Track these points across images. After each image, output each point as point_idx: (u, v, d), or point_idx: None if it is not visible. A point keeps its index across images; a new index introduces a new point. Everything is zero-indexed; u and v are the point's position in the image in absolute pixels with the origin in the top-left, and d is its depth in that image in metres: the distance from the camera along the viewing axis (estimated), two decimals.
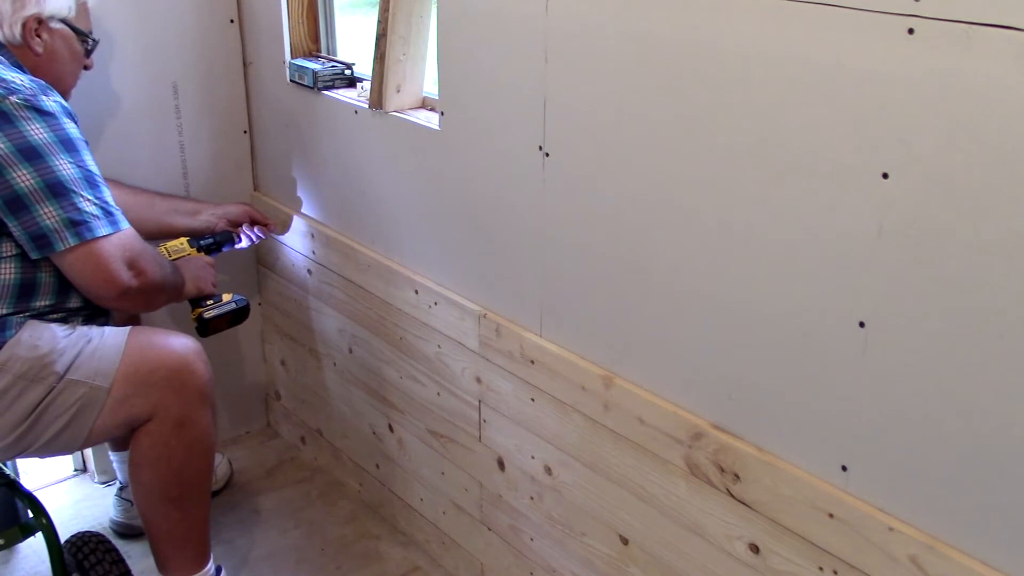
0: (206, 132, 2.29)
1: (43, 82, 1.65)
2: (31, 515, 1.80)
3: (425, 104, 1.91)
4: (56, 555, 1.75)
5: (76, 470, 2.43)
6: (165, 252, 1.98)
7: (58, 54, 1.76)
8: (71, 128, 1.63)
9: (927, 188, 1.04)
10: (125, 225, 1.66)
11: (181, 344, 1.75)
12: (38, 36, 1.72)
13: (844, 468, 1.21)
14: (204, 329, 1.97)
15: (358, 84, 2.05)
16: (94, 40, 1.84)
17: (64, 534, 1.84)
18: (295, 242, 2.27)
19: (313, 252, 2.21)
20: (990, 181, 0.99)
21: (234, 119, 2.33)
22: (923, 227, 1.06)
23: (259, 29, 2.22)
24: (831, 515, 1.22)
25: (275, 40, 2.17)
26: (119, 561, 1.81)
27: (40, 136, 1.57)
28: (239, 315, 2.01)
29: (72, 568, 1.79)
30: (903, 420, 1.13)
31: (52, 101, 1.62)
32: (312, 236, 2.20)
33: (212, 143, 2.31)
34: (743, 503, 1.34)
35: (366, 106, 1.91)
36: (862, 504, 1.19)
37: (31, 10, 1.70)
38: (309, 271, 2.25)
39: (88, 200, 1.60)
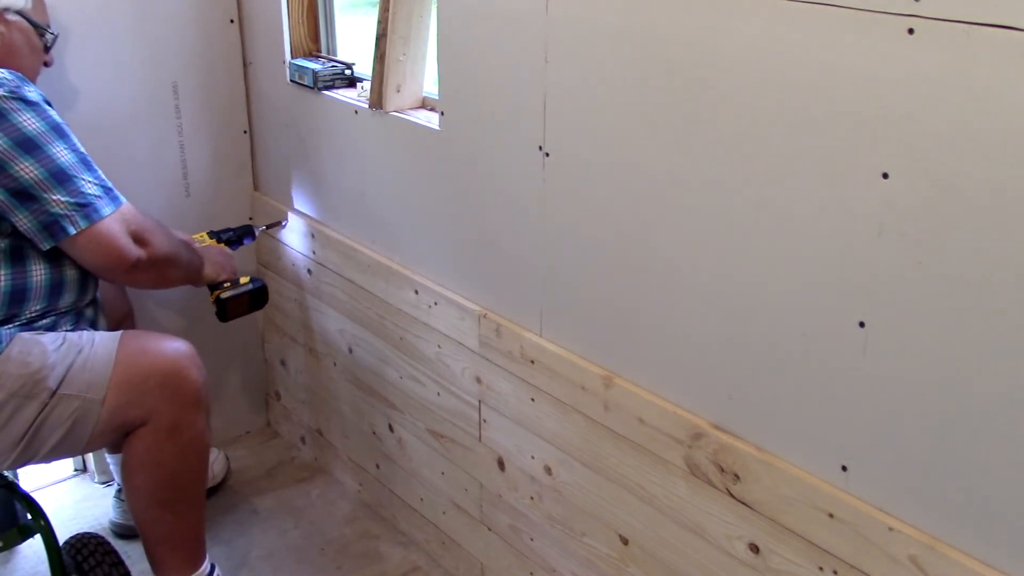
0: (206, 132, 2.29)
1: (18, 72, 1.64)
2: (29, 517, 1.80)
3: (425, 104, 1.91)
4: (55, 557, 1.75)
5: (76, 470, 2.42)
6: None
7: (16, 47, 1.73)
8: (55, 115, 1.64)
9: (927, 188, 1.04)
10: (123, 199, 1.68)
11: (173, 349, 1.73)
12: None
13: (844, 468, 1.21)
14: (223, 312, 1.97)
15: (358, 84, 2.05)
16: (52, 34, 1.81)
17: (64, 534, 1.84)
18: (295, 242, 2.27)
19: (313, 252, 2.21)
20: (990, 181, 0.99)
21: (234, 119, 2.33)
22: (923, 227, 1.06)
23: (259, 29, 2.22)
24: (831, 515, 1.22)
25: (275, 40, 2.17)
26: (118, 563, 1.80)
27: (33, 126, 1.58)
28: (257, 297, 2.01)
29: (71, 569, 1.78)
30: (903, 420, 1.13)
31: (32, 91, 1.62)
32: (312, 236, 2.20)
33: (212, 143, 2.31)
34: (743, 503, 1.34)
35: (366, 106, 1.91)
36: (862, 504, 1.19)
37: None
38: (309, 271, 2.25)
39: (89, 182, 1.62)
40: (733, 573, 1.39)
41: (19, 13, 1.73)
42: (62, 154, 1.60)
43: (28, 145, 1.57)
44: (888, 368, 1.13)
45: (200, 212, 2.31)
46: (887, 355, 1.13)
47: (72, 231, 1.60)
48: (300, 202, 2.25)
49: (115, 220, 1.64)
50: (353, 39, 2.29)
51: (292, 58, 2.15)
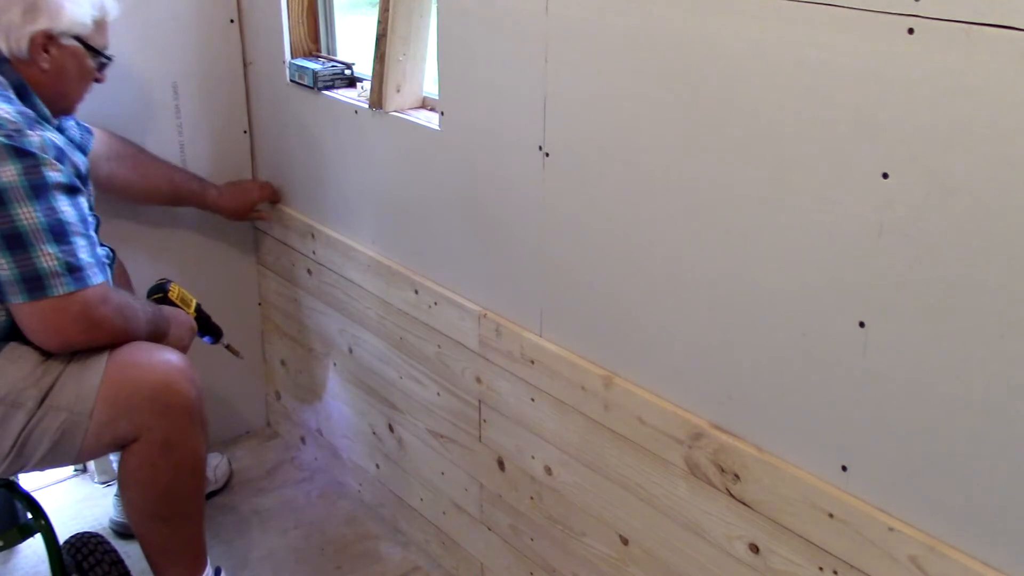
0: (206, 132, 2.29)
1: (32, 114, 1.57)
2: (30, 516, 1.80)
3: (425, 104, 1.91)
4: (55, 556, 1.75)
5: (76, 470, 2.42)
6: (175, 289, 1.95)
7: (65, 71, 1.67)
8: (50, 170, 1.52)
9: (927, 188, 1.04)
10: (94, 281, 1.55)
11: (163, 361, 1.65)
12: (46, 52, 1.63)
13: (844, 468, 1.21)
14: None
15: (358, 84, 2.05)
16: (108, 57, 1.75)
17: (64, 534, 1.84)
18: (295, 242, 2.27)
19: (313, 252, 2.21)
20: (990, 181, 0.99)
21: (234, 119, 2.33)
22: (923, 227, 1.06)
23: (259, 29, 2.22)
24: (831, 515, 1.22)
25: (275, 40, 2.17)
26: (118, 562, 1.81)
27: (8, 177, 1.47)
28: None
29: (71, 569, 1.78)
30: (903, 420, 1.13)
31: (37, 136, 1.52)
32: (312, 236, 2.20)
33: (212, 143, 2.31)
34: (743, 503, 1.34)
35: (366, 106, 1.91)
36: (862, 504, 1.19)
37: (42, 25, 1.60)
38: (309, 271, 2.25)
39: (48, 255, 1.50)
40: (733, 573, 1.39)
41: (76, 37, 1.66)
42: (26, 217, 1.48)
43: None
44: (888, 368, 1.13)
45: (200, 212, 2.31)
46: (887, 355, 1.13)
47: (11, 300, 1.51)
48: (300, 202, 2.25)
49: (65, 302, 1.52)
50: (353, 39, 2.29)
51: (292, 58, 2.15)
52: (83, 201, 1.61)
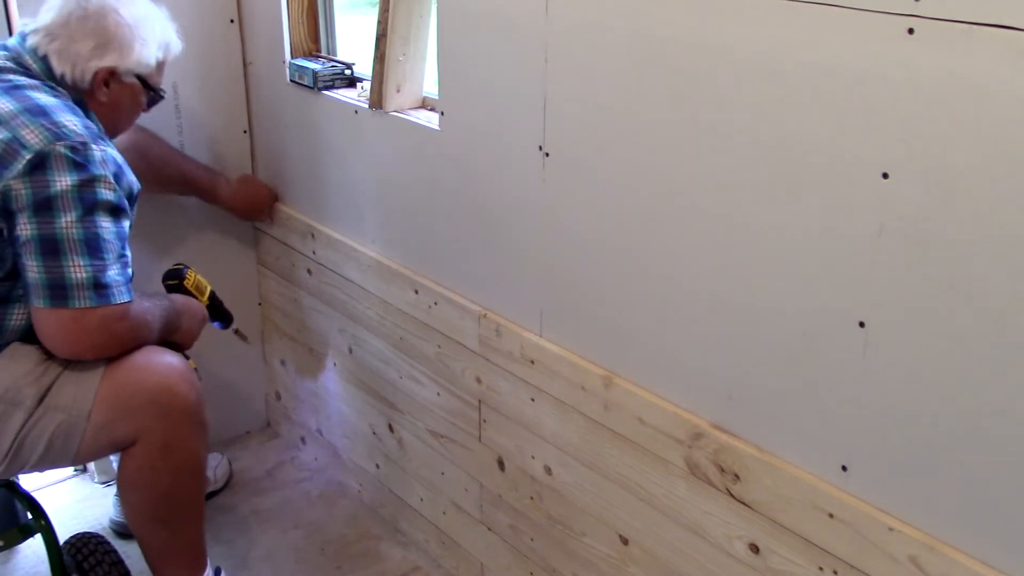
0: (206, 132, 2.29)
1: (96, 129, 1.60)
2: (30, 516, 1.80)
3: (425, 104, 1.91)
4: (55, 556, 1.76)
5: (76, 470, 2.42)
6: (191, 276, 1.95)
7: (120, 105, 1.72)
8: (104, 188, 1.54)
9: (927, 188, 1.04)
10: (118, 299, 1.56)
11: (164, 364, 1.65)
12: (106, 86, 1.67)
13: (844, 468, 1.21)
14: None
15: (358, 84, 2.05)
16: (162, 96, 1.81)
17: (64, 534, 1.84)
18: (295, 242, 2.27)
19: (313, 252, 2.21)
20: (990, 181, 0.99)
21: (234, 119, 2.33)
22: (923, 227, 1.06)
23: (259, 29, 2.22)
24: (831, 515, 1.22)
25: (275, 40, 2.17)
26: (118, 562, 1.81)
27: (62, 186, 1.50)
28: None
29: (72, 569, 1.79)
30: (903, 420, 1.13)
31: (100, 151, 1.55)
32: (312, 236, 2.20)
33: (212, 143, 2.31)
34: (743, 503, 1.34)
35: (366, 106, 1.91)
36: (862, 504, 1.19)
37: (109, 62, 1.66)
38: (309, 271, 2.25)
39: (78, 267, 1.52)
40: (733, 573, 1.39)
41: (137, 76, 1.72)
42: (67, 226, 1.51)
43: (42, 205, 1.49)
44: (888, 368, 1.13)
45: (200, 212, 2.31)
46: (887, 355, 1.13)
47: (35, 303, 1.53)
48: (300, 202, 2.25)
49: (85, 314, 1.53)
50: (353, 39, 2.29)
51: (292, 58, 2.15)
52: (126, 223, 1.62)
